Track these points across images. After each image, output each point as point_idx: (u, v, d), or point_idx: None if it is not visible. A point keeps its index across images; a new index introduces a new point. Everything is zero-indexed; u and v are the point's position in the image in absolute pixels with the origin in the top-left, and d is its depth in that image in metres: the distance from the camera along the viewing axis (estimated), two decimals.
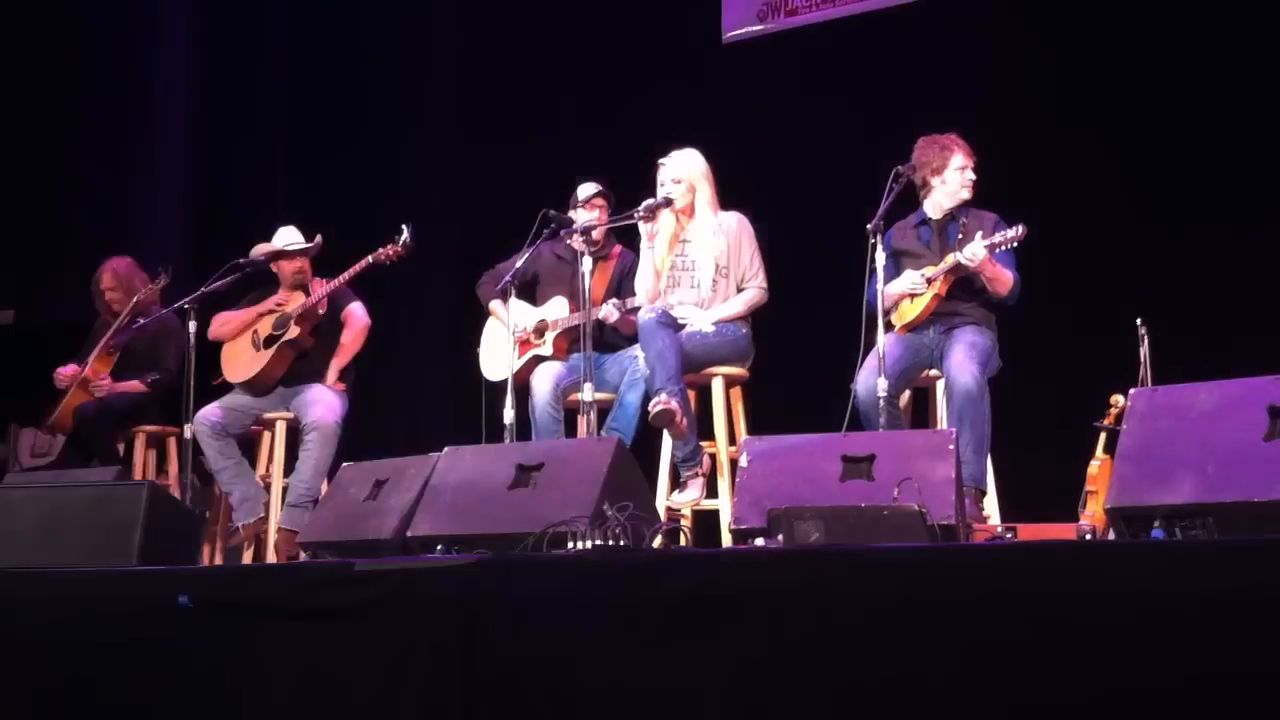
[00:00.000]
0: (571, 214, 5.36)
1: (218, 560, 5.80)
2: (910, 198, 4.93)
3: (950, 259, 4.69)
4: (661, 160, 5.15)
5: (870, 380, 4.51)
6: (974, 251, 4.63)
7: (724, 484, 4.87)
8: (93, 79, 8.43)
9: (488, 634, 3.02)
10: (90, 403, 6.12)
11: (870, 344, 4.55)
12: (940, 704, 2.54)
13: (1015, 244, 4.63)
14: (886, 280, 4.73)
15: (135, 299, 6.28)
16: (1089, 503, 4.14)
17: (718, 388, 4.98)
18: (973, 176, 4.89)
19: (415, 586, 3.17)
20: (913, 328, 4.78)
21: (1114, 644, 2.39)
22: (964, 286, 4.78)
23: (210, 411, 5.65)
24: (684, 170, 5.12)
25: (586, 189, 5.48)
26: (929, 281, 4.75)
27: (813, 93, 6.54)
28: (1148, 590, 2.40)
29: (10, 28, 8.43)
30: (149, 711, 3.50)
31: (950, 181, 4.88)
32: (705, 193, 5.12)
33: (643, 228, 5.11)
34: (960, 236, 4.77)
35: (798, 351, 5.96)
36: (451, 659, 3.05)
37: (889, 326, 4.71)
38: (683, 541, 4.00)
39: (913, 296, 4.78)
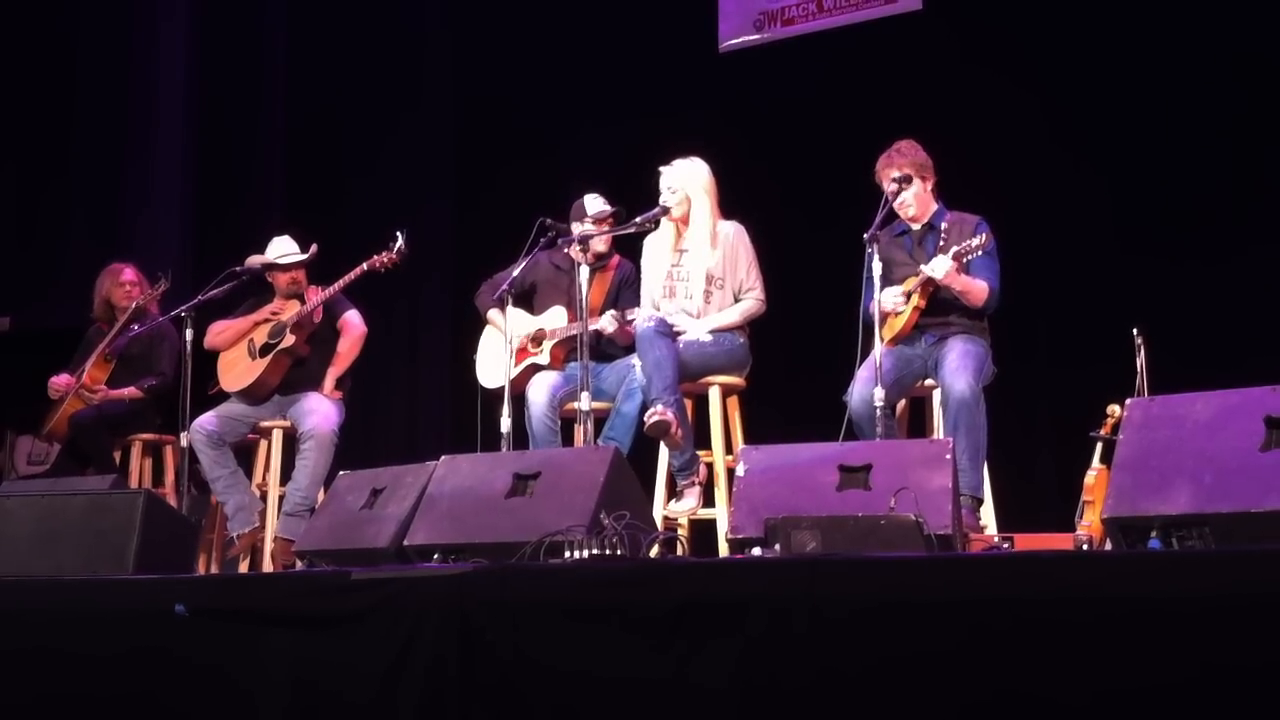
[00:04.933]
0: (574, 224, 5.35)
1: (214, 569, 5.79)
2: None
3: (925, 269, 4.64)
4: (662, 168, 5.16)
5: (864, 391, 4.50)
6: (936, 267, 4.58)
7: (721, 493, 4.87)
8: (90, 87, 8.44)
9: (484, 642, 3.02)
10: (86, 410, 6.11)
11: (866, 354, 4.55)
12: (937, 712, 2.54)
13: (980, 252, 4.56)
14: (871, 295, 4.71)
15: (135, 304, 6.29)
16: (1086, 513, 4.14)
17: (715, 397, 4.98)
18: (905, 199, 4.76)
19: (412, 595, 3.16)
20: (900, 340, 4.76)
21: (1110, 653, 2.39)
22: (949, 295, 4.73)
23: (206, 420, 5.64)
24: (681, 180, 5.11)
25: (595, 205, 5.40)
26: (907, 296, 4.73)
27: (809, 102, 6.56)
28: (1145, 600, 2.40)
29: (9, 36, 8.44)
30: None
31: (897, 206, 4.82)
32: (703, 204, 5.11)
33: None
34: (941, 243, 4.73)
35: (795, 361, 5.96)
36: (448, 667, 3.05)
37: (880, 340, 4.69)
38: (679, 551, 4.01)
39: (896, 312, 4.76)
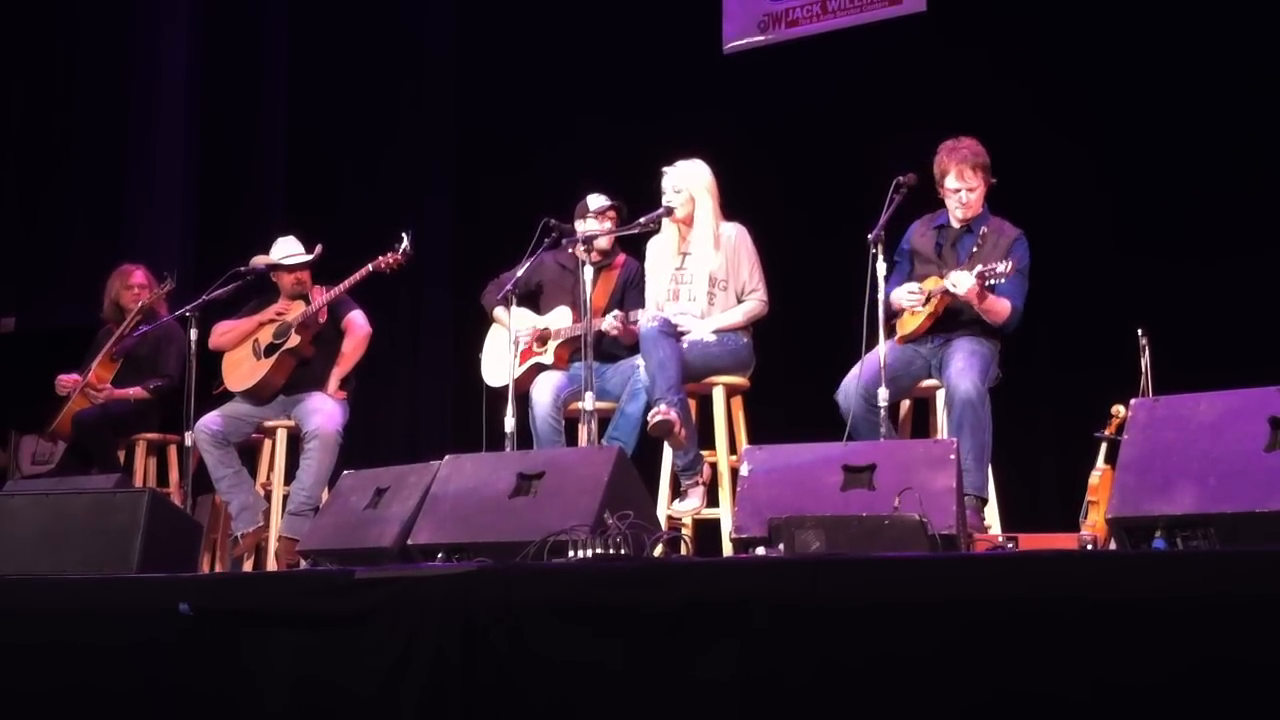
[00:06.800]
0: (578, 223, 5.36)
1: (218, 568, 5.80)
2: (909, 204, 4.86)
3: (946, 281, 4.61)
4: (665, 169, 5.16)
5: (849, 387, 4.53)
6: (959, 282, 4.54)
7: (725, 493, 4.87)
8: (93, 87, 8.44)
9: (488, 642, 3.02)
10: (90, 410, 6.12)
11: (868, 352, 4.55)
12: (940, 712, 2.54)
13: (1004, 279, 4.51)
14: (898, 279, 4.71)
15: (141, 304, 6.30)
16: (1090, 513, 4.14)
17: (719, 397, 4.98)
18: (967, 198, 4.74)
19: (416, 594, 3.17)
20: (910, 340, 4.76)
21: (1114, 653, 2.40)
22: (965, 308, 4.69)
23: (210, 420, 5.64)
24: (684, 180, 5.12)
25: (598, 201, 5.44)
26: (927, 299, 4.72)
27: (813, 103, 6.55)
28: (1149, 600, 2.40)
29: (11, 37, 8.45)
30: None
31: (948, 200, 4.82)
32: (706, 204, 5.11)
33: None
34: (975, 251, 4.69)
35: (798, 361, 5.96)
36: (452, 667, 3.05)
37: (890, 334, 4.68)
38: (683, 550, 4.01)
39: (912, 311, 4.75)
